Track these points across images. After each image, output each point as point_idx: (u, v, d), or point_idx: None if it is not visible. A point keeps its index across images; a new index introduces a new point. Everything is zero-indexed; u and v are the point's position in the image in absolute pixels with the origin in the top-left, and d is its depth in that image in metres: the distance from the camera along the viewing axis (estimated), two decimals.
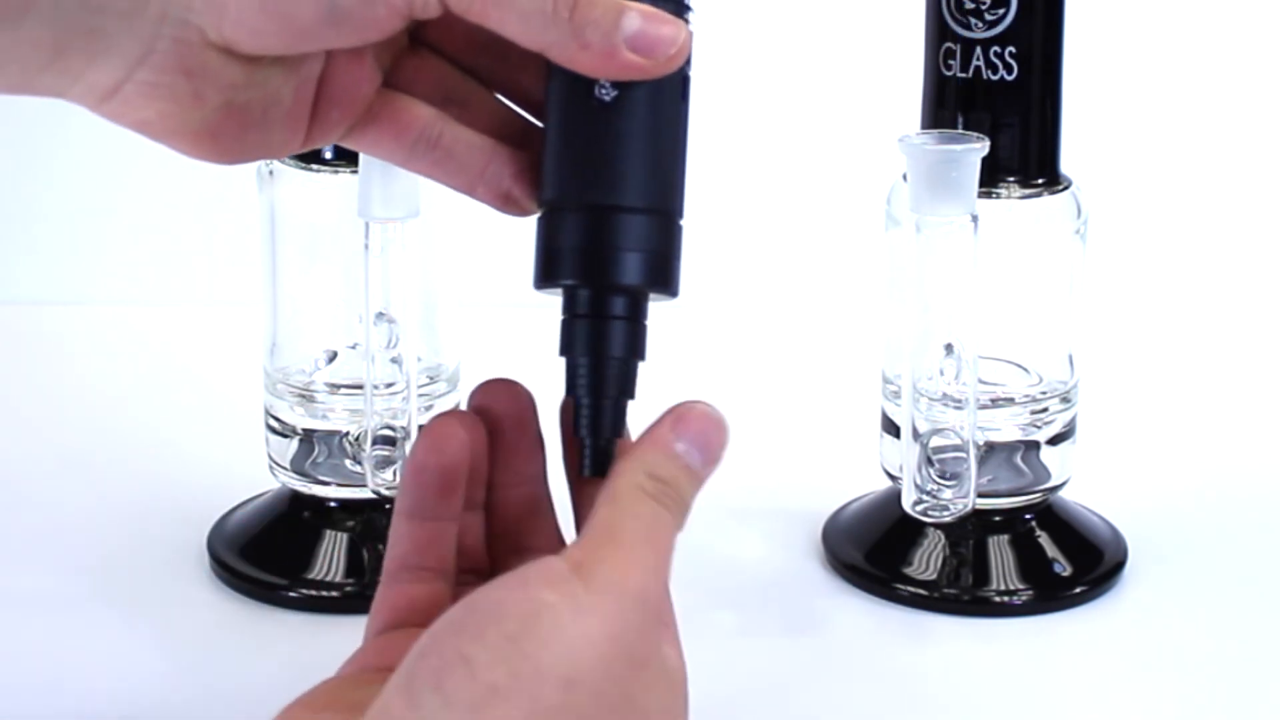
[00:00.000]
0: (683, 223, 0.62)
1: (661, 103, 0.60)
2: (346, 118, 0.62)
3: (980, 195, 0.78)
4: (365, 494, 0.83)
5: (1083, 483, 0.88)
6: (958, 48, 0.81)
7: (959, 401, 0.80)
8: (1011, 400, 0.84)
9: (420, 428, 0.64)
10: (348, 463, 0.84)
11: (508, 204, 0.63)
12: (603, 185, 0.60)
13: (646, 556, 0.57)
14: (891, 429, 0.84)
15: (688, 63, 0.61)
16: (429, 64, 0.63)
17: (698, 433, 0.60)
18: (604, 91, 0.60)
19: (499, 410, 0.64)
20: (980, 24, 0.81)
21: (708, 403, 0.61)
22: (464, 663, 0.53)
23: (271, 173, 0.83)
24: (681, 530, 0.59)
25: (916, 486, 0.81)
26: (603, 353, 0.61)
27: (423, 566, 0.63)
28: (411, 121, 0.62)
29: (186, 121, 0.59)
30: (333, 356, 0.85)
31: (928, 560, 0.85)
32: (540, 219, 0.62)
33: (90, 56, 0.57)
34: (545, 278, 0.61)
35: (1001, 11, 0.81)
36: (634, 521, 0.57)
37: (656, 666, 0.57)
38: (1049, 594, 0.84)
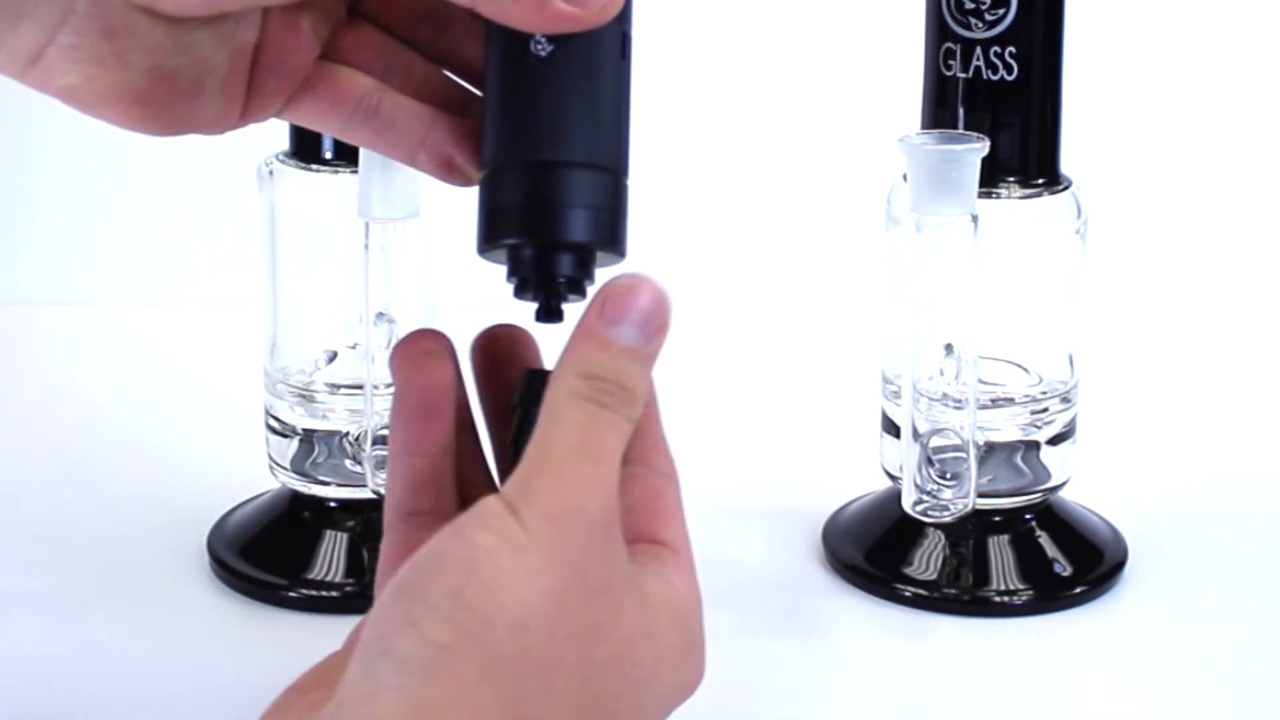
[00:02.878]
0: (628, 182, 0.60)
1: (599, 58, 0.59)
2: (283, 88, 0.61)
3: (980, 195, 0.78)
4: (365, 494, 0.83)
5: (1083, 483, 0.88)
6: (958, 48, 0.81)
7: (959, 401, 0.80)
8: (1011, 400, 0.84)
9: (391, 353, 0.62)
10: (348, 463, 0.84)
11: (450, 172, 0.62)
12: (542, 141, 0.59)
13: (581, 471, 0.55)
14: (891, 429, 0.84)
15: (627, 19, 0.59)
16: (367, 36, 0.62)
17: (630, 309, 0.58)
18: (540, 47, 0.58)
19: (504, 346, 0.62)
20: (980, 24, 0.81)
21: (636, 273, 0.59)
22: (411, 625, 0.53)
23: (271, 173, 0.83)
24: (635, 419, 0.57)
25: (916, 486, 0.81)
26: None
27: (419, 510, 0.61)
28: (350, 91, 0.61)
29: (113, 86, 0.58)
30: (333, 356, 0.85)
31: (928, 560, 0.85)
32: (482, 182, 0.60)
33: (12, 19, 0.56)
34: (488, 239, 0.60)
35: (1001, 11, 0.81)
36: (566, 434, 0.56)
37: (623, 588, 0.56)
38: (1049, 594, 0.84)
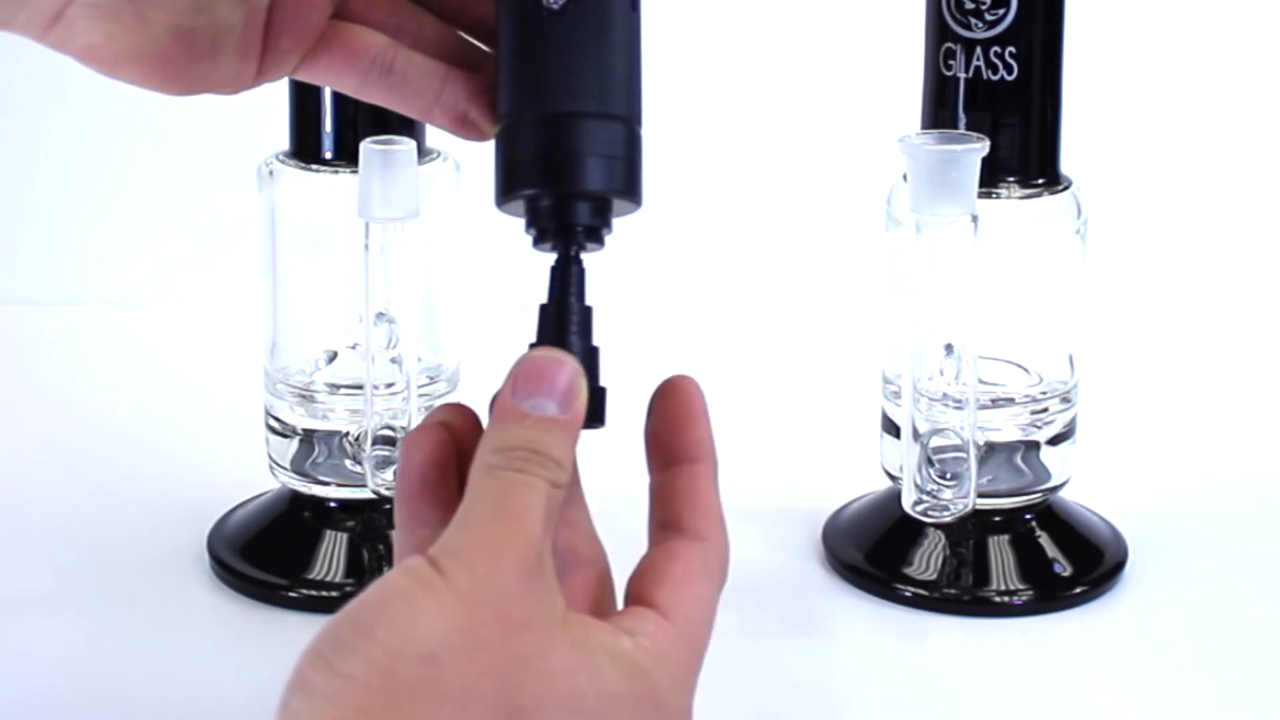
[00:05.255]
0: (642, 132, 0.61)
1: (611, 10, 0.60)
2: (298, 46, 0.62)
3: (980, 195, 0.78)
4: (365, 494, 0.83)
5: (1083, 483, 0.88)
6: (958, 48, 0.81)
7: (959, 401, 0.80)
8: (1011, 400, 0.84)
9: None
10: (348, 463, 0.84)
11: (465, 127, 0.62)
12: (557, 93, 0.59)
13: (497, 528, 0.56)
14: (891, 429, 0.84)
15: None
16: None
17: (540, 382, 0.58)
18: (553, 1, 0.59)
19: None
20: (980, 24, 0.81)
21: (544, 350, 0.59)
22: (323, 660, 0.53)
23: (271, 173, 0.83)
24: (559, 481, 0.57)
25: (916, 486, 0.81)
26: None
27: None
28: (364, 49, 0.62)
29: (134, 45, 0.59)
30: (333, 356, 0.85)
31: (928, 560, 0.85)
32: (498, 136, 0.61)
33: None
34: (506, 191, 0.60)
35: (1001, 11, 0.81)
36: (481, 501, 0.56)
37: (552, 626, 0.55)
38: (1049, 594, 0.84)
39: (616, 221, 0.61)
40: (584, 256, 0.60)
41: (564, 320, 0.60)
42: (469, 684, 0.54)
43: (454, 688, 0.54)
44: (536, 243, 0.61)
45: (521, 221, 0.61)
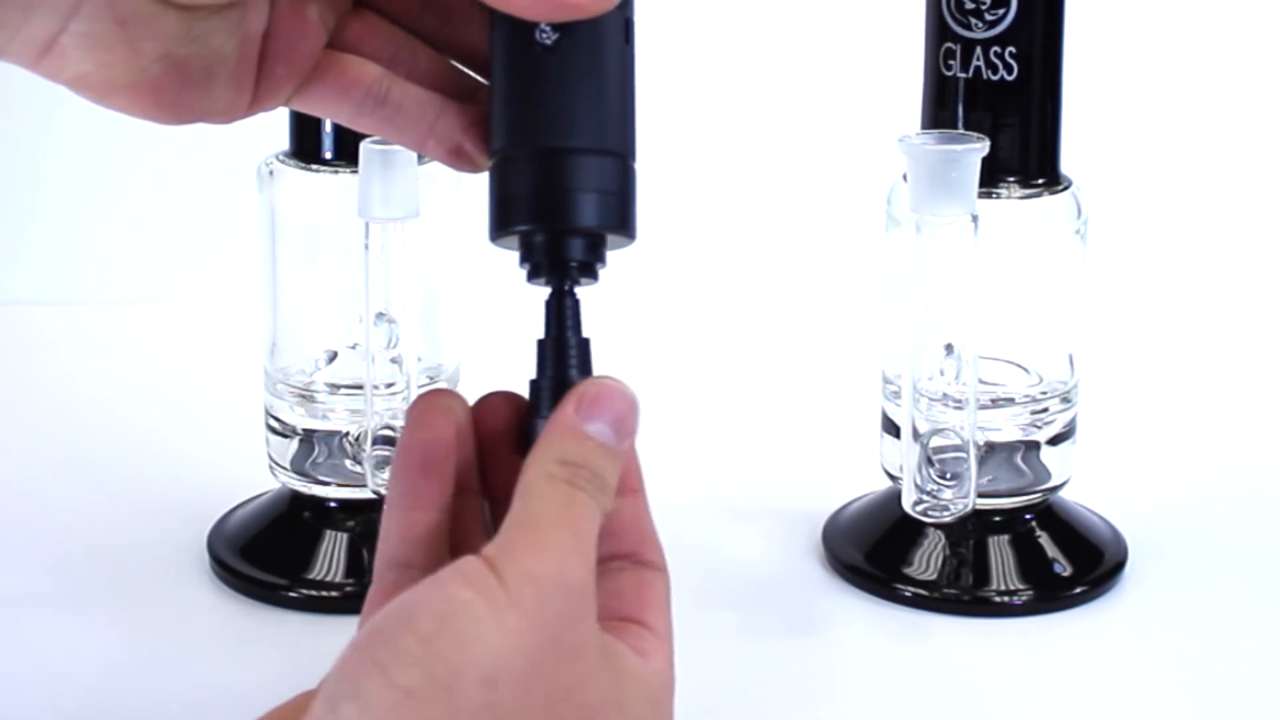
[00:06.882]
0: (636, 166, 0.61)
1: (604, 44, 0.60)
2: (293, 76, 0.62)
3: (980, 195, 0.78)
4: (365, 494, 0.83)
5: (1083, 483, 0.88)
6: (958, 48, 0.81)
7: (959, 401, 0.80)
8: (1011, 400, 0.84)
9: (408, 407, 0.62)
10: (348, 463, 0.84)
11: (459, 159, 0.62)
12: (550, 128, 0.59)
13: (563, 540, 0.56)
14: (891, 429, 0.84)
15: (629, 5, 0.60)
16: (373, 25, 0.63)
17: (605, 409, 0.59)
18: (545, 35, 0.59)
19: (500, 419, 0.62)
20: (980, 24, 0.81)
21: (612, 378, 0.59)
22: (379, 669, 0.53)
23: (272, 173, 0.83)
24: (606, 509, 0.58)
25: (916, 486, 0.81)
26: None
27: (411, 564, 0.61)
28: (358, 78, 0.62)
29: (126, 74, 0.58)
30: (333, 356, 0.85)
31: (928, 560, 0.85)
32: (491, 170, 0.61)
33: (25, 9, 0.57)
34: (500, 227, 0.60)
35: (1001, 11, 0.81)
36: (547, 508, 0.56)
37: (595, 655, 0.56)
38: (1049, 594, 0.84)
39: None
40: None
41: (563, 354, 0.60)
42: (520, 711, 0.54)
43: (507, 713, 0.54)
44: (530, 278, 0.61)
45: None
